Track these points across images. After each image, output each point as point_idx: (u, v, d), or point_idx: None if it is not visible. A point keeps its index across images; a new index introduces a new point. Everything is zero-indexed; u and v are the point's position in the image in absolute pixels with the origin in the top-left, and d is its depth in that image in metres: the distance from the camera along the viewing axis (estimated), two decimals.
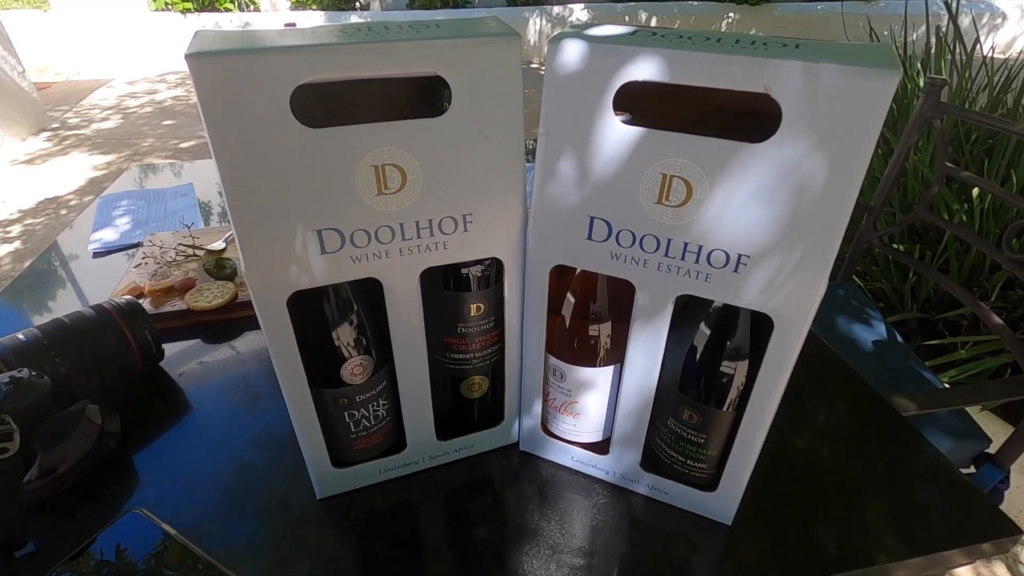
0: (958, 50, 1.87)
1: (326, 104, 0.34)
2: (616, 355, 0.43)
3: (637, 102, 0.34)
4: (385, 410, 0.45)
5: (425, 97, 0.36)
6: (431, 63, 0.32)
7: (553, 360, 0.45)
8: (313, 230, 0.34)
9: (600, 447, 0.48)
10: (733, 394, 0.39)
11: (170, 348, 0.63)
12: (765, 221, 0.32)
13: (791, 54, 0.28)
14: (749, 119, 0.32)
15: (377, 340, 0.42)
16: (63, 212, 2.74)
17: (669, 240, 0.35)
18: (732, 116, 0.33)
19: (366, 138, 0.33)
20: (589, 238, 0.37)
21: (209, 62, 0.29)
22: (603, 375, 0.44)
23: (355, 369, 0.41)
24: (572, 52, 0.32)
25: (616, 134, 0.33)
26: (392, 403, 0.46)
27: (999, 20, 5.27)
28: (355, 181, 0.34)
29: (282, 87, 0.30)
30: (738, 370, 0.39)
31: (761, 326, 0.36)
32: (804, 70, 0.28)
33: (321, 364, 0.41)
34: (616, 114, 0.33)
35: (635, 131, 0.33)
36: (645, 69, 0.31)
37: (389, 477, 0.49)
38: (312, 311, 0.39)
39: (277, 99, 0.30)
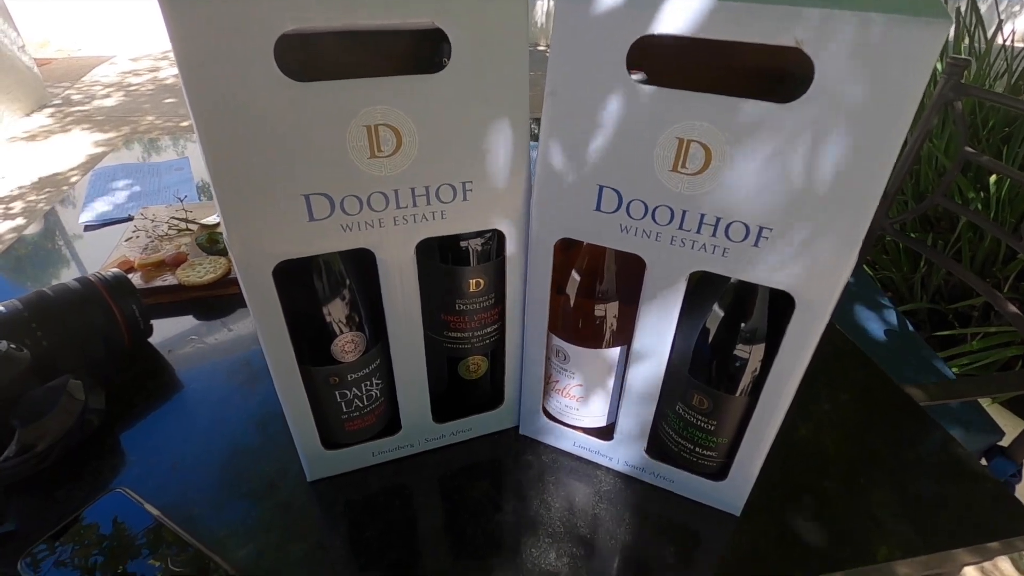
0: (978, 36, 1.81)
1: (314, 56, 0.31)
2: (623, 336, 0.41)
3: (653, 59, 0.31)
4: (379, 390, 0.43)
5: (423, 51, 0.34)
6: (430, 13, 0.30)
7: (556, 340, 0.43)
8: (299, 195, 0.32)
9: (604, 432, 0.46)
10: (747, 379, 0.37)
11: (160, 324, 0.61)
12: (791, 190, 0.29)
13: (826, 3, 0.26)
14: (775, 78, 0.29)
15: (370, 316, 0.40)
16: (64, 188, 2.72)
17: (684, 211, 0.32)
18: (757, 75, 0.30)
19: (358, 95, 0.30)
20: (597, 209, 0.34)
21: (184, 3, 0.26)
22: (609, 357, 0.42)
23: (346, 346, 0.39)
24: (582, 2, 0.29)
25: (629, 94, 0.30)
26: (386, 383, 0.43)
27: (1017, 7, 5.15)
28: (345, 142, 0.31)
29: (265, 34, 0.27)
30: (753, 353, 0.36)
31: (781, 306, 0.33)
32: (841, 20, 0.25)
33: (310, 340, 0.38)
34: (630, 72, 0.30)
35: (650, 91, 0.30)
36: (662, 21, 0.28)
37: (382, 460, 0.47)
38: (300, 283, 0.37)
39: (260, 48, 0.28)
